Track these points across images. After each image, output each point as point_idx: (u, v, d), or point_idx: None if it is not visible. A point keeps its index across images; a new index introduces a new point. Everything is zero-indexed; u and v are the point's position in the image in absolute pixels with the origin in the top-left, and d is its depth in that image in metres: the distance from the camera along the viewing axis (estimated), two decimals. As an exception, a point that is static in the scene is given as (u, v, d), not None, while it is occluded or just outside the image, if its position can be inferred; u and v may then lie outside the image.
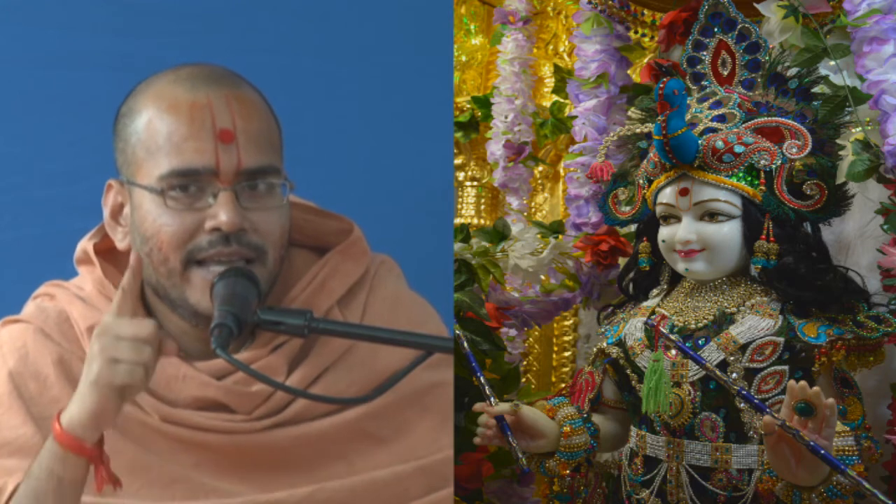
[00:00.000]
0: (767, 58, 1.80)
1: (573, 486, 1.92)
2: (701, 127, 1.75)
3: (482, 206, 2.92)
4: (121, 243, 1.53)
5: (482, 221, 2.87)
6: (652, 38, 2.31)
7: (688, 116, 1.74)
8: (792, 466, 1.48)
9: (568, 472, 1.86)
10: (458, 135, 2.83)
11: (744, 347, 1.67)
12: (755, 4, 1.92)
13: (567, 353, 2.75)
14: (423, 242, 1.81)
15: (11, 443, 1.49)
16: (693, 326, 1.74)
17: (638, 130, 1.85)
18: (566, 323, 2.74)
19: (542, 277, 2.32)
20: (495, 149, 2.62)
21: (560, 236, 2.29)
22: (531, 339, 2.76)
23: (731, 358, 1.67)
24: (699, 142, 1.72)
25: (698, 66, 1.87)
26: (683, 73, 1.91)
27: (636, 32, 2.33)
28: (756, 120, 1.75)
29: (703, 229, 1.73)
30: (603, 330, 1.94)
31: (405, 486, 1.53)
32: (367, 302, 1.60)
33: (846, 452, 1.55)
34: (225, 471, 1.50)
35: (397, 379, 1.47)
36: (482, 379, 1.73)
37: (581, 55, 2.35)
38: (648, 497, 1.75)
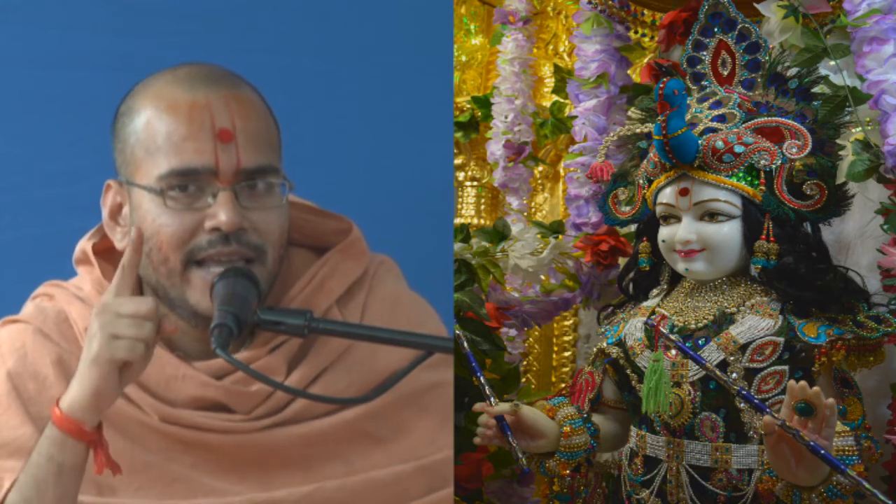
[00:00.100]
0: (767, 58, 1.80)
1: (573, 486, 1.92)
2: (701, 127, 1.75)
3: (482, 206, 2.92)
4: (120, 243, 1.53)
5: (482, 221, 2.87)
6: (652, 38, 2.31)
7: (688, 116, 1.74)
8: (792, 466, 1.48)
9: (568, 472, 1.86)
10: (458, 135, 2.83)
11: (744, 347, 1.67)
12: (755, 4, 1.92)
13: (567, 353, 2.75)
14: (423, 242, 1.81)
15: (10, 443, 1.49)
16: (693, 326, 1.74)
17: (638, 130, 1.85)
18: (566, 323, 2.74)
19: (542, 277, 2.32)
20: (495, 149, 2.62)
21: (560, 236, 2.29)
22: (531, 339, 2.76)
23: (731, 358, 1.67)
24: (699, 142, 1.72)
25: (698, 66, 1.87)
26: (683, 73, 1.91)
27: (636, 32, 2.33)
28: (756, 120, 1.75)
29: (703, 229, 1.73)
30: (603, 330, 1.94)
31: (405, 485, 1.53)
32: (367, 302, 1.60)
33: (846, 452, 1.55)
34: (224, 470, 1.50)
35: (397, 379, 1.47)
36: (482, 379, 1.73)
37: (581, 55, 2.35)
38: (648, 497, 1.75)
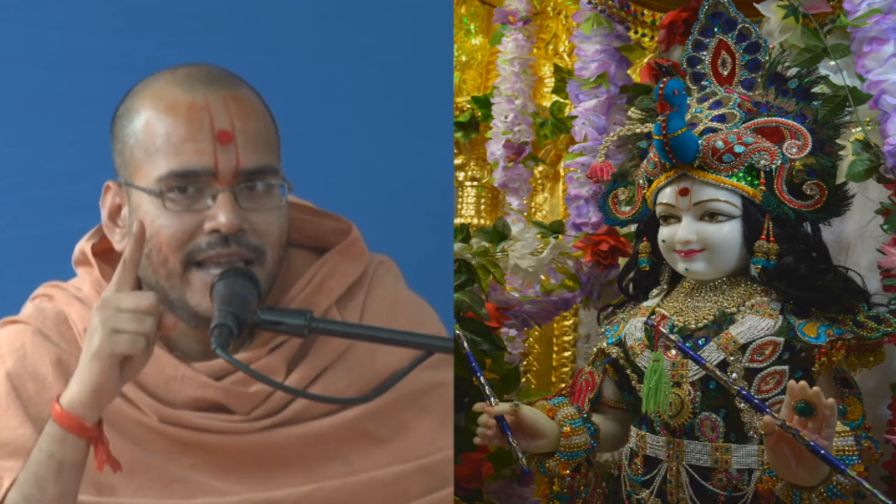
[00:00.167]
0: (767, 58, 1.80)
1: (573, 486, 1.92)
2: (701, 127, 1.75)
3: (482, 206, 2.92)
4: (119, 244, 1.53)
5: (482, 221, 2.87)
6: (652, 38, 2.31)
7: (688, 116, 1.74)
8: (792, 466, 1.48)
9: (568, 472, 1.86)
10: (458, 135, 2.83)
11: (744, 347, 1.67)
12: (755, 4, 1.92)
13: (567, 353, 2.75)
14: (423, 242, 1.81)
15: (10, 443, 1.49)
16: (693, 326, 1.74)
17: (638, 130, 1.85)
18: (566, 323, 2.74)
19: (542, 277, 2.32)
20: (495, 149, 2.62)
21: (560, 236, 2.29)
22: (531, 339, 2.76)
23: (731, 358, 1.67)
24: (699, 142, 1.72)
25: (698, 66, 1.87)
26: (683, 73, 1.91)
27: (636, 32, 2.33)
28: (756, 120, 1.75)
29: (703, 229, 1.73)
30: (603, 330, 1.94)
31: (405, 485, 1.53)
32: (366, 302, 1.60)
33: (846, 452, 1.55)
34: (224, 471, 1.50)
35: (397, 379, 1.47)
36: (482, 379, 1.73)
37: (581, 55, 2.35)
38: (648, 497, 1.75)
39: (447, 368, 1.60)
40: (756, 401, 1.56)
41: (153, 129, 1.47)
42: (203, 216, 1.46)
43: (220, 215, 1.44)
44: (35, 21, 1.97)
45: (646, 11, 2.30)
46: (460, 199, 2.92)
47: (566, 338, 2.75)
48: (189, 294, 1.48)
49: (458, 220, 2.81)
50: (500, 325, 2.21)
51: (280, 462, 1.51)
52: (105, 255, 1.59)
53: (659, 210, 1.80)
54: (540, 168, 2.77)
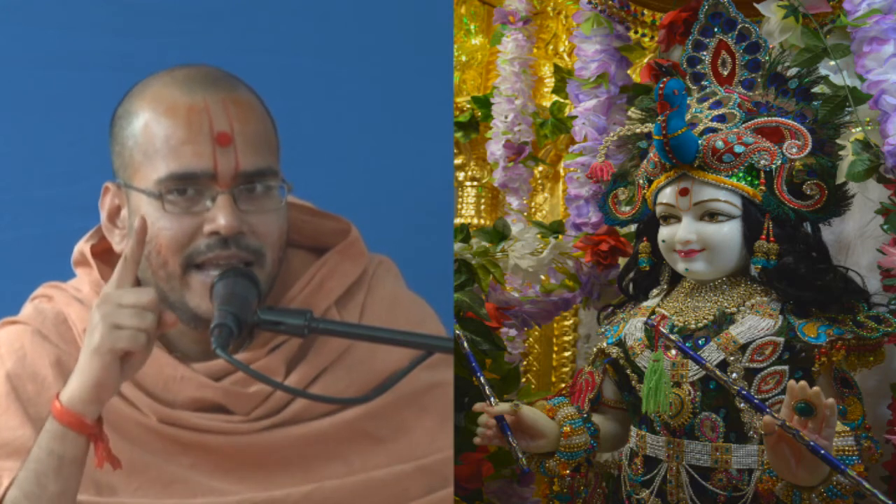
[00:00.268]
0: (767, 58, 1.80)
1: (573, 486, 1.92)
2: (701, 127, 1.75)
3: (482, 206, 2.92)
4: (118, 246, 1.53)
5: (482, 221, 2.87)
6: (652, 38, 2.31)
7: (688, 116, 1.74)
8: (792, 466, 1.48)
9: (568, 472, 1.86)
10: (458, 135, 2.83)
11: (744, 347, 1.67)
12: (755, 4, 1.92)
13: (567, 353, 2.75)
14: (423, 242, 1.81)
15: (9, 444, 1.48)
16: (693, 326, 1.74)
17: (638, 130, 1.85)
18: (566, 323, 2.74)
19: (542, 277, 2.32)
20: (495, 149, 2.62)
21: (560, 236, 2.29)
22: (531, 339, 2.76)
23: (731, 358, 1.67)
24: (699, 142, 1.72)
25: (698, 66, 1.87)
26: (683, 73, 1.91)
27: (636, 32, 2.33)
28: (756, 120, 1.75)
29: (703, 229, 1.73)
30: (603, 330, 1.94)
31: (404, 485, 1.53)
32: (366, 302, 1.60)
33: (846, 452, 1.55)
34: (223, 471, 1.50)
35: (397, 379, 1.47)
36: (482, 379, 1.73)
37: (581, 55, 2.35)
38: (648, 497, 1.75)
39: (447, 368, 1.60)
40: (756, 401, 1.56)
41: (152, 131, 1.47)
42: (202, 218, 1.46)
43: (220, 217, 1.45)
44: (35, 21, 1.97)
45: (646, 11, 2.30)
46: (460, 199, 2.92)
47: (566, 338, 2.75)
48: (189, 296, 1.48)
49: (458, 220, 2.81)
50: (500, 325, 2.21)
51: (280, 462, 1.51)
52: (104, 255, 1.59)
53: (659, 210, 1.80)
54: (540, 168, 2.77)
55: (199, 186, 1.46)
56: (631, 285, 1.95)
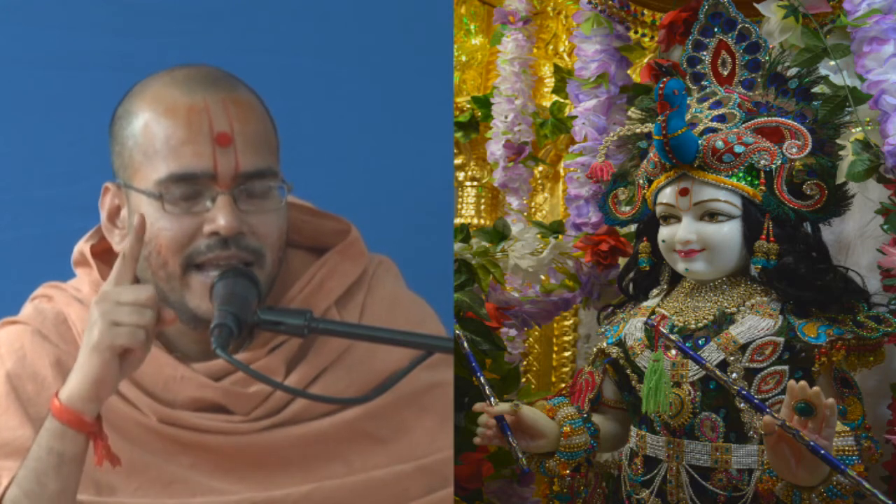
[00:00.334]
0: (767, 58, 1.80)
1: (573, 486, 1.92)
2: (701, 127, 1.75)
3: (482, 206, 2.92)
4: (118, 246, 1.53)
5: (482, 221, 2.87)
6: (652, 38, 2.31)
7: (688, 116, 1.74)
8: (792, 466, 1.48)
9: (568, 472, 1.86)
10: (458, 135, 2.83)
11: (744, 347, 1.67)
12: (755, 4, 1.92)
13: (567, 353, 2.75)
14: (423, 242, 1.81)
15: (9, 444, 1.48)
16: (693, 326, 1.74)
17: (638, 130, 1.85)
18: (566, 323, 2.74)
19: (542, 277, 2.32)
20: (495, 149, 2.62)
21: (560, 236, 2.29)
22: (531, 339, 2.76)
23: (731, 358, 1.67)
24: (699, 142, 1.72)
25: (698, 66, 1.87)
26: (683, 73, 1.91)
27: (636, 32, 2.33)
28: (756, 120, 1.75)
29: (703, 229, 1.73)
30: (603, 330, 1.94)
31: (404, 485, 1.53)
32: (365, 302, 1.60)
33: (846, 452, 1.55)
34: (223, 471, 1.50)
35: (397, 379, 1.47)
36: (482, 379, 1.73)
37: (581, 55, 2.35)
38: (648, 497, 1.75)
39: (447, 368, 1.60)
40: (756, 401, 1.56)
41: (152, 131, 1.47)
42: (202, 219, 1.46)
43: (220, 218, 1.45)
44: (35, 21, 1.97)
45: (646, 11, 2.30)
46: (460, 199, 2.92)
47: (566, 338, 2.75)
48: (188, 296, 1.48)
49: (458, 220, 2.81)
50: (500, 325, 2.21)
51: (279, 462, 1.51)
52: (104, 255, 1.59)
53: (659, 210, 1.80)
54: (540, 168, 2.77)
55: (199, 187, 1.46)
56: (631, 285, 1.95)
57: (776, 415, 1.47)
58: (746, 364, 1.67)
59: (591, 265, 2.26)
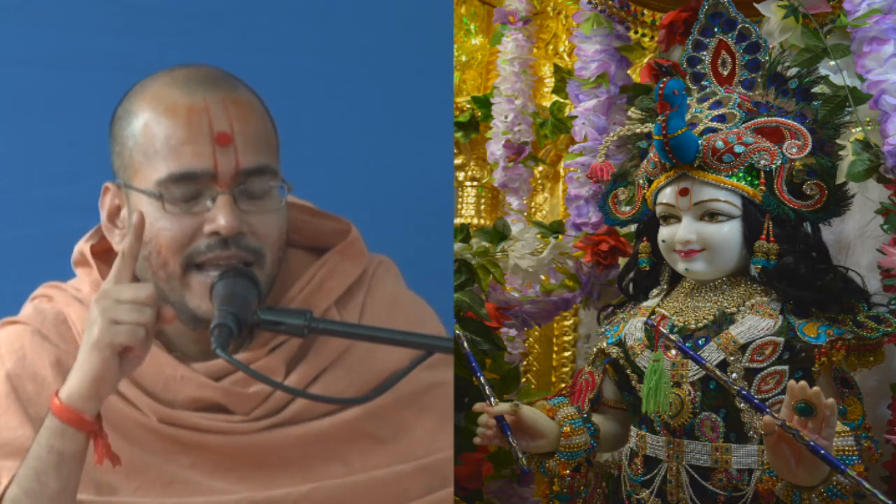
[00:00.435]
0: (767, 58, 1.80)
1: (573, 486, 1.92)
2: (701, 127, 1.75)
3: (482, 206, 2.92)
4: (118, 246, 1.53)
5: (482, 221, 2.87)
6: (652, 38, 2.31)
7: (688, 116, 1.74)
8: (792, 466, 1.48)
9: (568, 472, 1.86)
10: (458, 135, 2.83)
11: (744, 347, 1.67)
12: (755, 4, 1.92)
13: (567, 353, 2.75)
14: (423, 242, 1.81)
15: (9, 443, 1.48)
16: (693, 326, 1.74)
17: (638, 130, 1.85)
18: (566, 323, 2.74)
19: (542, 277, 2.32)
20: (495, 149, 2.62)
21: (560, 236, 2.29)
22: (531, 339, 2.76)
23: (731, 358, 1.67)
24: (699, 142, 1.72)
25: (698, 66, 1.87)
26: (683, 73, 1.91)
27: (636, 32, 2.33)
28: (756, 120, 1.75)
29: (703, 229, 1.73)
30: (603, 330, 1.94)
31: (404, 485, 1.53)
32: (365, 302, 1.60)
33: (846, 452, 1.55)
34: (223, 471, 1.50)
35: (397, 379, 1.47)
36: (482, 379, 1.73)
37: (581, 55, 2.35)
38: (648, 497, 1.75)
39: (447, 368, 1.60)
40: (756, 401, 1.56)
41: (152, 131, 1.47)
42: (202, 218, 1.46)
43: (220, 218, 1.45)
44: (35, 21, 1.97)
45: (646, 11, 2.30)
46: (460, 199, 2.92)
47: (566, 338, 2.75)
48: (189, 296, 1.48)
49: (458, 220, 2.81)
50: (500, 325, 2.21)
51: (279, 462, 1.51)
52: (104, 255, 1.59)
53: (659, 210, 1.80)
54: (540, 168, 2.77)
55: (199, 187, 1.46)
56: (631, 285, 1.95)
57: (776, 415, 1.47)
58: (746, 364, 1.67)
59: (591, 265, 2.26)
